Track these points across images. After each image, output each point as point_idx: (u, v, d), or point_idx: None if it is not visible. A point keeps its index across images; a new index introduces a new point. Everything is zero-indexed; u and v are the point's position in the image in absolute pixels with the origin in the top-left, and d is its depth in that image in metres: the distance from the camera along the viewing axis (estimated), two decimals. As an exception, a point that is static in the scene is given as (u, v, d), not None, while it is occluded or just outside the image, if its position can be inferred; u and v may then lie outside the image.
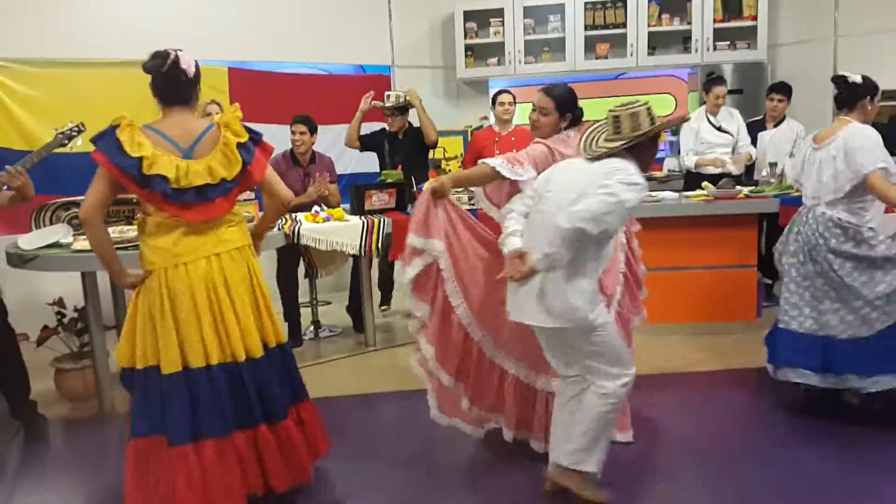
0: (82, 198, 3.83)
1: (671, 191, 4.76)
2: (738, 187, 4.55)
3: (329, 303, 5.49)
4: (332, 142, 5.82)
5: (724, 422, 3.32)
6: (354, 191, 4.53)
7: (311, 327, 4.90)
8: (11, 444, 3.33)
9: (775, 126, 5.24)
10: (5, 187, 3.19)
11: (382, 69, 6.34)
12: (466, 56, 6.27)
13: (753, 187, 4.64)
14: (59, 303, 3.77)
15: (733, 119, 5.23)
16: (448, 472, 2.93)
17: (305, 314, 4.83)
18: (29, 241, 3.54)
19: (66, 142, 3.40)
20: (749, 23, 5.92)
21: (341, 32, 6.02)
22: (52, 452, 3.29)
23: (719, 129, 5.17)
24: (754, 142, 5.22)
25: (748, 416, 3.40)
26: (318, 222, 4.21)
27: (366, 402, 3.75)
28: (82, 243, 3.46)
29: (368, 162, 6.27)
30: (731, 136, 5.17)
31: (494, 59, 6.30)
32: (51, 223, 3.80)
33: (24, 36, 4.80)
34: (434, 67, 6.51)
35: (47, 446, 3.32)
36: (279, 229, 4.07)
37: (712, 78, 5.27)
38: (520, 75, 6.19)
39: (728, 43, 6.00)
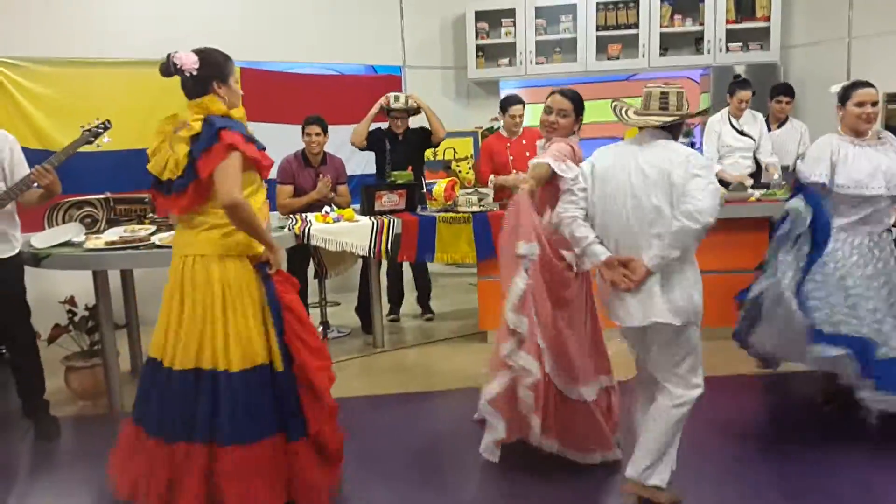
0: (94, 196, 3.93)
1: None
2: (750, 190, 4.51)
3: (338, 303, 5.50)
4: (342, 142, 5.83)
5: (735, 426, 3.30)
6: (364, 192, 4.54)
7: (321, 328, 4.92)
8: (20, 443, 3.36)
9: (779, 127, 5.22)
10: (35, 185, 3.22)
11: (393, 69, 6.34)
12: (477, 56, 6.26)
13: (765, 190, 4.61)
14: (71, 301, 3.80)
15: (756, 123, 5.16)
16: (457, 474, 2.93)
17: (314, 315, 4.83)
18: (42, 240, 3.57)
19: (93, 139, 3.42)
20: (762, 24, 5.89)
21: (352, 33, 6.03)
22: (63, 451, 3.31)
23: (741, 132, 5.12)
24: None
25: (759, 421, 3.39)
26: (328, 223, 4.21)
27: (374, 403, 3.76)
28: (94, 242, 3.49)
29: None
30: (753, 140, 5.12)
31: (505, 60, 6.29)
32: (63, 222, 3.83)
33: (38, 35, 4.85)
34: (445, 68, 6.51)
35: (57, 445, 3.34)
36: (289, 230, 4.08)
37: (738, 81, 5.19)
38: (531, 76, 6.17)
39: (741, 44, 5.96)
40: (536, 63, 6.16)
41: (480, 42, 6.26)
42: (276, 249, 2.53)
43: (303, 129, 4.68)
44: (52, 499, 2.88)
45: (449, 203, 4.59)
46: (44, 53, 4.86)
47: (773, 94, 5.23)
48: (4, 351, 3.63)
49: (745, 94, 5.06)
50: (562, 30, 6.18)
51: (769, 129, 5.20)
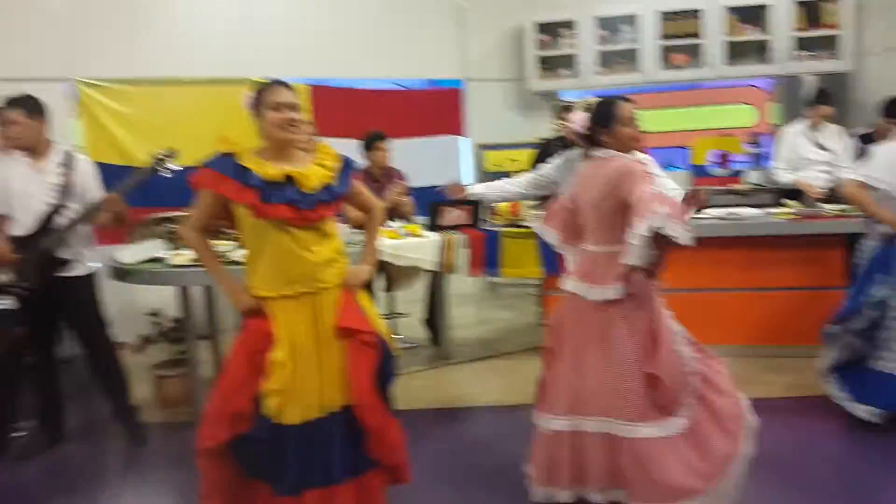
0: (177, 213, 4.11)
1: (754, 206, 4.67)
2: (826, 205, 4.39)
3: (406, 315, 5.56)
4: (405, 155, 5.93)
5: (807, 449, 3.26)
6: (431, 207, 4.62)
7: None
8: (110, 447, 3.56)
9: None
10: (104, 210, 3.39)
11: (454, 83, 6.44)
12: (538, 68, 6.29)
13: (844, 207, 4.46)
14: (156, 314, 3.99)
15: (840, 139, 4.99)
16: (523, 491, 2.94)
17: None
18: (128, 255, 3.74)
19: (159, 167, 3.54)
20: (832, 31, 5.74)
21: (413, 47, 6.15)
22: (151, 456, 3.50)
23: (820, 146, 4.99)
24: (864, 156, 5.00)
25: (836, 445, 3.33)
26: (396, 238, 4.31)
27: (443, 416, 3.82)
28: (178, 259, 3.65)
29: (439, 175, 6.36)
30: (832, 154, 4.94)
31: (567, 71, 6.30)
32: (148, 238, 4.00)
33: (119, 57, 5.09)
34: (504, 80, 6.56)
35: (146, 450, 3.53)
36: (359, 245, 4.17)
37: (819, 95, 5.06)
38: (593, 86, 6.16)
39: (810, 52, 5.83)
40: (599, 73, 6.16)
41: (541, 53, 6.29)
42: (229, 294, 2.46)
43: (369, 145, 4.75)
44: (139, 501, 3.05)
45: (513, 218, 4.64)
46: (122, 74, 5.10)
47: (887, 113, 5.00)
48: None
49: (826, 109, 4.93)
50: (624, 40, 6.17)
51: (874, 142, 5.02)
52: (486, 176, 6.34)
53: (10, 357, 3.40)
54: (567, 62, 6.29)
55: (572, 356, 2.64)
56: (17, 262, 3.28)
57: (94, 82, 5.04)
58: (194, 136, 4.99)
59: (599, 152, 2.68)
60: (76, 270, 3.42)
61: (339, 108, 5.77)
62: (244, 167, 2.33)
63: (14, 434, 3.50)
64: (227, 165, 2.34)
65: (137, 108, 5.18)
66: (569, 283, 2.71)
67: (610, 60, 6.22)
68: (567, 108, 4.38)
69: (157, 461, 3.44)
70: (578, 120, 2.74)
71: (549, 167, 3.99)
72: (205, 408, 2.41)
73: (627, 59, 6.17)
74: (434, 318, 4.91)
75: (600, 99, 2.76)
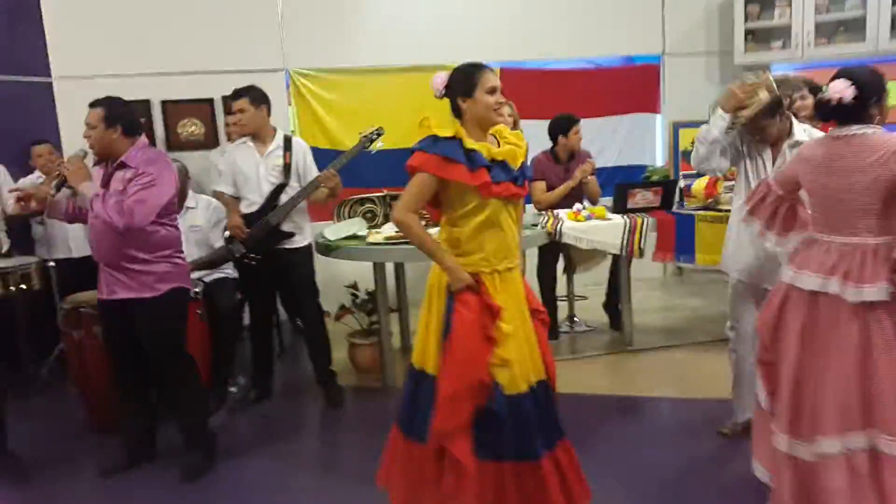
0: (374, 194, 4.41)
1: None
2: None
3: (585, 297, 5.51)
4: (594, 135, 5.82)
5: None
6: (617, 189, 4.51)
7: (567, 321, 5.01)
8: (313, 406, 3.93)
9: None
10: (321, 186, 3.74)
11: (652, 59, 6.19)
12: (746, 41, 5.86)
13: None
14: (354, 286, 4.33)
15: None
16: (700, 496, 2.80)
17: (562, 308, 4.92)
18: (332, 232, 4.10)
19: (369, 144, 3.84)
20: None
21: (609, 24, 5.97)
22: (346, 417, 3.83)
23: None
24: None
25: None
26: (579, 221, 4.27)
27: (617, 404, 3.75)
28: (375, 236, 3.92)
29: (630, 155, 6.19)
30: None
31: (778, 43, 5.79)
32: (349, 216, 4.35)
33: (327, 48, 5.50)
34: (708, 54, 6.19)
35: (342, 411, 3.86)
36: (541, 227, 4.20)
37: None
38: (808, 59, 5.62)
39: None
40: (816, 45, 5.59)
41: (750, 25, 5.84)
42: (451, 271, 2.39)
43: (563, 129, 4.68)
44: (330, 455, 3.36)
45: (709, 201, 4.40)
46: (331, 64, 5.52)
47: None
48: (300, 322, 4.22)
49: None
50: (847, 8, 5.53)
51: None
52: (682, 155, 6.05)
53: (229, 319, 3.90)
54: (780, 34, 5.78)
55: (826, 365, 2.28)
56: (248, 236, 3.72)
57: (306, 72, 5.51)
58: (393, 120, 5.32)
59: (856, 128, 2.30)
60: (297, 242, 3.81)
61: (531, 89, 5.79)
62: (470, 150, 2.34)
63: (230, 388, 4.00)
64: (454, 150, 2.33)
65: (343, 95, 5.59)
66: (805, 280, 2.34)
67: (829, 31, 5.62)
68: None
69: (349, 422, 3.77)
70: (844, 89, 2.28)
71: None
72: (440, 392, 2.36)
73: (851, 29, 5.54)
74: (615, 302, 4.82)
75: (863, 68, 2.39)
